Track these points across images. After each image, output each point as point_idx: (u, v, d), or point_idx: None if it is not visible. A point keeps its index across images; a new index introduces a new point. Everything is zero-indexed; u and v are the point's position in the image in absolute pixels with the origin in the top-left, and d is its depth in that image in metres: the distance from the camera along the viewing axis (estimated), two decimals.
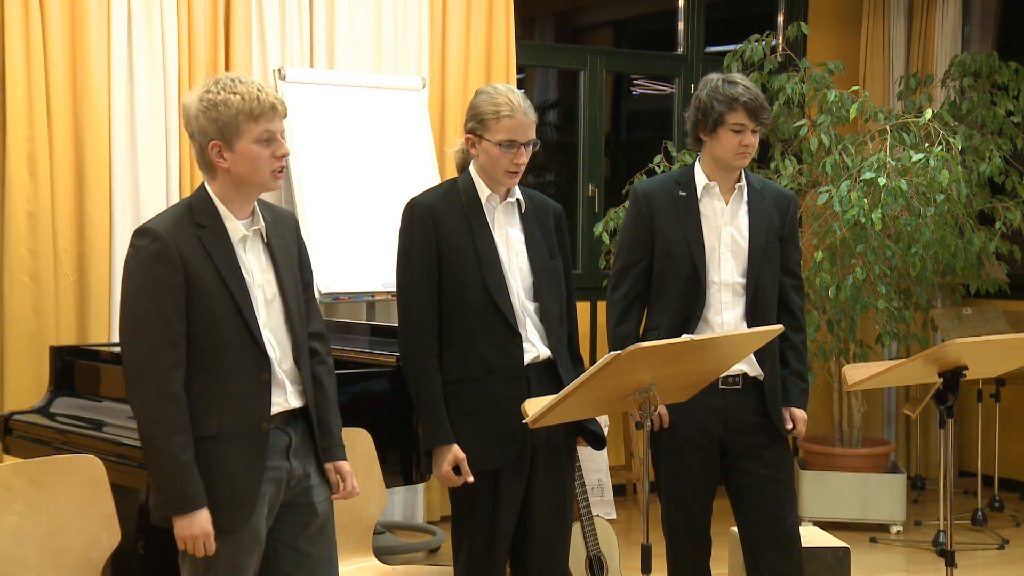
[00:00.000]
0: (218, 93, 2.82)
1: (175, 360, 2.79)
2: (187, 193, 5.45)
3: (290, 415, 2.96)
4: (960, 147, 6.03)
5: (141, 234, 2.83)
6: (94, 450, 3.70)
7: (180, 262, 2.79)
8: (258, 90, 2.84)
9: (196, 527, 2.79)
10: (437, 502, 6.21)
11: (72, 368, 4.41)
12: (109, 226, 5.33)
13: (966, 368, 3.50)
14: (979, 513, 6.30)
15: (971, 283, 6.55)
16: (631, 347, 2.87)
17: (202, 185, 2.93)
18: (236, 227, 2.90)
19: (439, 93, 6.12)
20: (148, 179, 5.38)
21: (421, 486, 6.08)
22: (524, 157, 3.38)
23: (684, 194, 3.71)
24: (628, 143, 8.26)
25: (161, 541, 4.18)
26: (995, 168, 6.32)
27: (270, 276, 2.94)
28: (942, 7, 7.20)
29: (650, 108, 8.17)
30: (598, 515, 4.55)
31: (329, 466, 3.07)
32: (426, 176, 5.80)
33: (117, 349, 4.53)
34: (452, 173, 6.04)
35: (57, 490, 3.17)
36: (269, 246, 2.96)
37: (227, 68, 5.56)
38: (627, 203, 3.91)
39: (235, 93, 2.81)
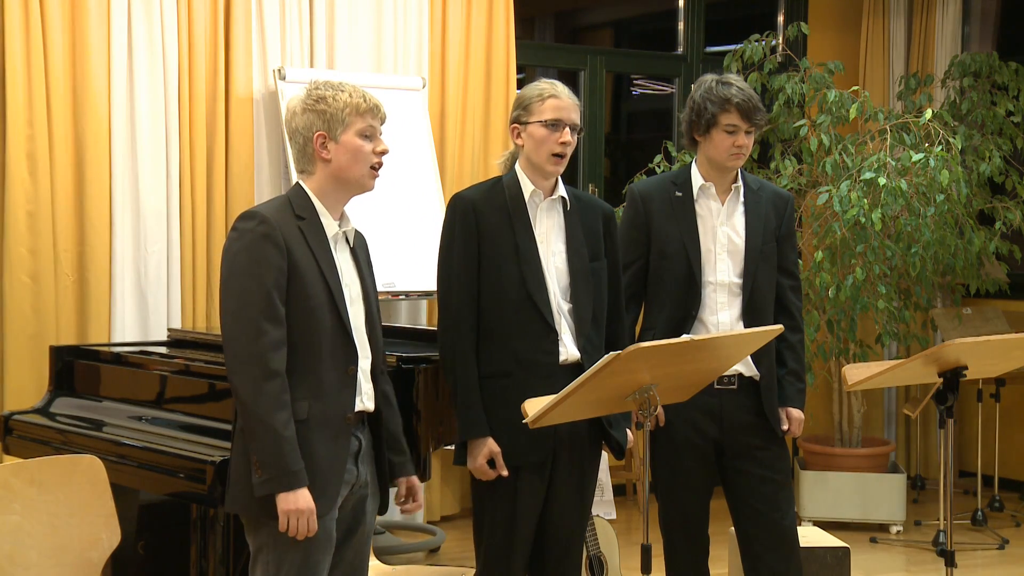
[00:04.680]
0: (326, 90, 2.96)
1: (278, 339, 2.83)
2: (187, 193, 5.46)
3: (360, 419, 3.00)
4: (960, 147, 6.03)
5: (247, 217, 2.90)
6: (94, 450, 3.69)
7: (284, 246, 2.85)
8: (363, 92, 2.99)
9: (302, 502, 2.81)
10: (437, 502, 6.20)
11: (72, 368, 4.40)
12: (109, 226, 5.33)
13: (966, 368, 3.49)
14: (979, 513, 6.30)
15: (971, 283, 6.55)
16: (631, 347, 2.86)
17: (297, 184, 3.00)
18: (330, 224, 2.97)
19: (439, 93, 6.12)
20: (148, 179, 5.38)
21: (421, 486, 6.07)
22: (569, 137, 3.36)
23: (680, 195, 3.71)
24: (628, 143, 8.25)
25: (161, 541, 4.22)
26: (995, 168, 6.32)
27: (355, 278, 3.02)
28: (942, 7, 7.19)
29: (650, 108, 8.16)
30: (598, 515, 4.55)
31: (401, 480, 3.17)
32: (426, 176, 5.79)
33: (117, 349, 4.53)
34: (452, 174, 6.10)
35: (57, 490, 3.17)
36: (354, 251, 3.04)
37: (227, 68, 5.55)
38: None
39: (343, 91, 2.97)
